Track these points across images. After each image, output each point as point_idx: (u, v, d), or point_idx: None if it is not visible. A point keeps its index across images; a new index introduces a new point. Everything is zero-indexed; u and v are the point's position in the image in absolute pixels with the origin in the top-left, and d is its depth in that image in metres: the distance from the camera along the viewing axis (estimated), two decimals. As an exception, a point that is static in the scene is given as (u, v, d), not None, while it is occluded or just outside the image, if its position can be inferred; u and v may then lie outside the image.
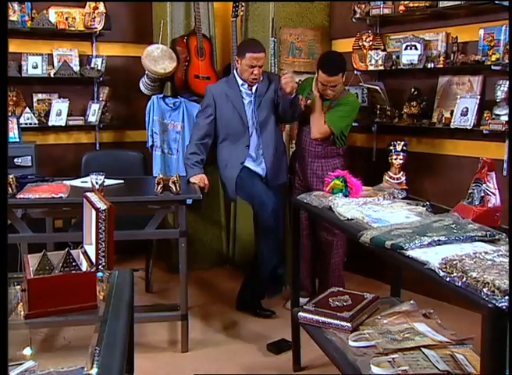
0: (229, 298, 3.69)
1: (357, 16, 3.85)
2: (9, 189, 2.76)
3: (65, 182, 3.10)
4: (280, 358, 2.95)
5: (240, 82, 3.34)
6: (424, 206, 2.28)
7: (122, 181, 3.21)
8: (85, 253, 1.71)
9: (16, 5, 3.85)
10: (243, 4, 3.98)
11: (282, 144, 3.54)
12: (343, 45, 4.09)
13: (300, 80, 4.06)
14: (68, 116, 4.17)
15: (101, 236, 1.56)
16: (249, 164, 3.36)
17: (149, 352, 2.95)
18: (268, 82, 3.38)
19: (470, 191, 2.10)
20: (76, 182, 3.13)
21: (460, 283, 1.48)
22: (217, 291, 3.87)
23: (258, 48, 3.22)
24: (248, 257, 4.06)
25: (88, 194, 1.76)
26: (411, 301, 2.48)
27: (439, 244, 1.77)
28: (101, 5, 4.15)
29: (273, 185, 3.39)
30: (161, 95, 4.00)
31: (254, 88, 3.35)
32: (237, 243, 4.33)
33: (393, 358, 2.04)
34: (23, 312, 1.61)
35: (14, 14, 3.85)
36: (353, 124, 3.71)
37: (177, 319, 3.05)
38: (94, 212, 1.59)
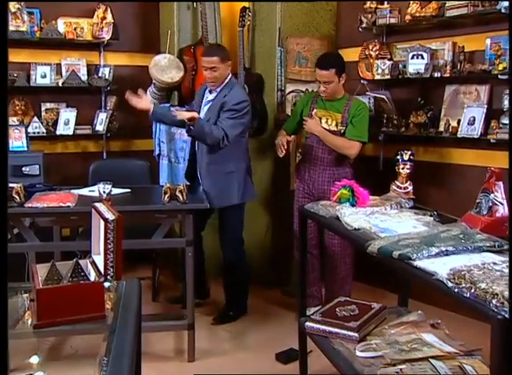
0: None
1: (364, 25, 3.86)
2: (17, 198, 2.77)
3: (72, 191, 3.12)
4: (287, 367, 2.94)
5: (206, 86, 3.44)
6: (431, 216, 2.27)
7: (129, 190, 3.22)
8: (93, 263, 1.72)
9: (25, 16, 3.89)
10: (249, 13, 4.00)
11: (228, 162, 3.33)
12: (349, 54, 4.09)
13: (306, 90, 4.09)
14: (75, 125, 4.20)
15: (109, 246, 1.56)
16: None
17: (155, 361, 2.95)
18: (225, 96, 3.31)
19: (477, 201, 2.10)
20: (84, 191, 3.15)
21: (468, 295, 1.47)
22: (223, 300, 3.85)
23: (208, 52, 3.32)
24: (253, 266, 4.05)
25: (96, 204, 1.77)
26: (419, 312, 2.46)
27: (447, 255, 1.76)
28: (108, 15, 4.19)
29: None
30: (168, 104, 4.02)
31: (211, 96, 3.37)
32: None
33: (401, 369, 2.02)
34: (29, 321, 1.62)
35: (23, 24, 3.88)
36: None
37: (184, 329, 3.04)
38: (102, 222, 1.60)
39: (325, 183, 3.40)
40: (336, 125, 3.34)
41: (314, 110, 3.39)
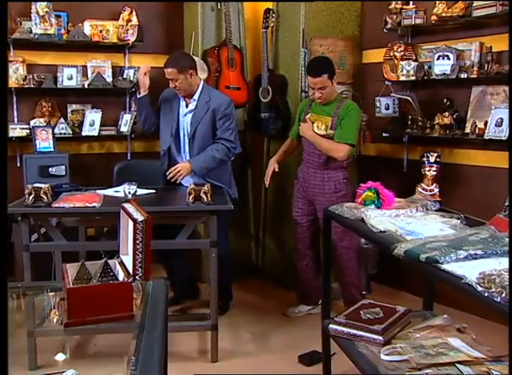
0: (257, 308, 3.69)
1: (389, 26, 3.83)
2: (45, 198, 2.82)
3: (98, 191, 3.15)
4: (310, 369, 2.94)
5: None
6: (458, 219, 2.24)
7: (153, 191, 3.25)
8: (122, 263, 1.74)
9: (53, 19, 3.95)
10: (273, 15, 4.01)
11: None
12: (374, 56, 4.08)
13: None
14: (100, 126, 4.25)
15: (138, 247, 1.58)
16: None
17: (179, 362, 2.95)
18: (209, 101, 3.36)
19: (506, 204, 2.06)
20: (109, 191, 3.18)
21: (499, 299, 1.45)
22: (246, 302, 3.86)
23: (165, 63, 3.33)
24: (275, 268, 4.05)
25: (125, 204, 1.79)
26: (445, 315, 2.43)
27: (476, 258, 1.73)
28: (134, 18, 4.23)
29: None
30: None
31: (191, 105, 3.37)
32: (266, 253, 4.33)
33: (427, 374, 2.00)
34: (55, 319, 1.65)
35: (51, 27, 3.94)
36: (384, 135, 3.72)
37: (207, 329, 3.06)
38: (131, 223, 1.62)
39: (316, 185, 3.42)
40: (326, 129, 3.34)
41: (308, 115, 3.41)
